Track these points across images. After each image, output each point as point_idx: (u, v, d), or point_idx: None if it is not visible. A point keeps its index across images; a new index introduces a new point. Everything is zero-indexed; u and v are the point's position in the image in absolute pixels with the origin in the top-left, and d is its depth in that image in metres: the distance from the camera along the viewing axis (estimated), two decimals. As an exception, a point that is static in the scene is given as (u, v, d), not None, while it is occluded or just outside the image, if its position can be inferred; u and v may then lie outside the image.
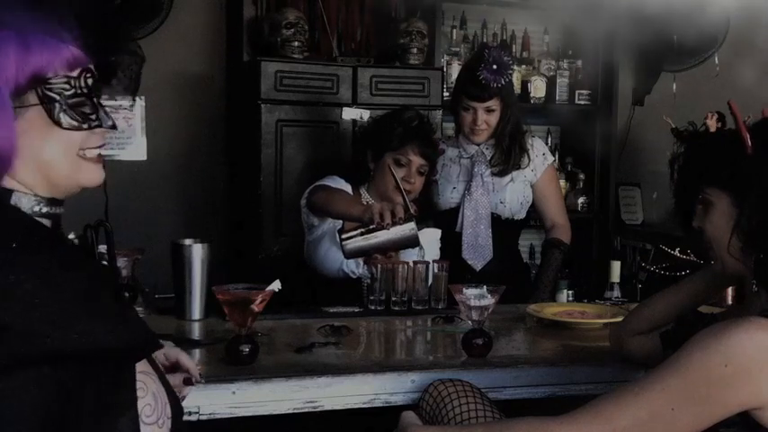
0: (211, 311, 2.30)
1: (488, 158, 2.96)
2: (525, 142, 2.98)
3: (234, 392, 1.69)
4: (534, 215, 3.11)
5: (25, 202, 1.02)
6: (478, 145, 2.97)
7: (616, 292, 2.74)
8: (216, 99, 3.93)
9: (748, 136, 1.48)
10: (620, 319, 2.09)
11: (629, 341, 1.87)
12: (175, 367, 1.53)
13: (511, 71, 2.93)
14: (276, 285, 1.83)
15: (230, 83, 3.88)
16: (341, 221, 2.64)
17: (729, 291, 2.46)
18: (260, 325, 2.11)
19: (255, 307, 1.82)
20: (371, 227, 2.39)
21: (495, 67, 2.84)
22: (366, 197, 2.76)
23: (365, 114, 3.49)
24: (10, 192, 1.01)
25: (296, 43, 3.52)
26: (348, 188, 2.76)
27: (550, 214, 3.05)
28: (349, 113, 3.54)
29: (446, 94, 3.86)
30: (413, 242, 2.44)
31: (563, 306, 2.59)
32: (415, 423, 1.65)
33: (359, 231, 2.43)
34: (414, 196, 2.73)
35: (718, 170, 1.53)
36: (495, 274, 2.75)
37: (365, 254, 2.50)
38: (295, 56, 3.52)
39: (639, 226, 4.43)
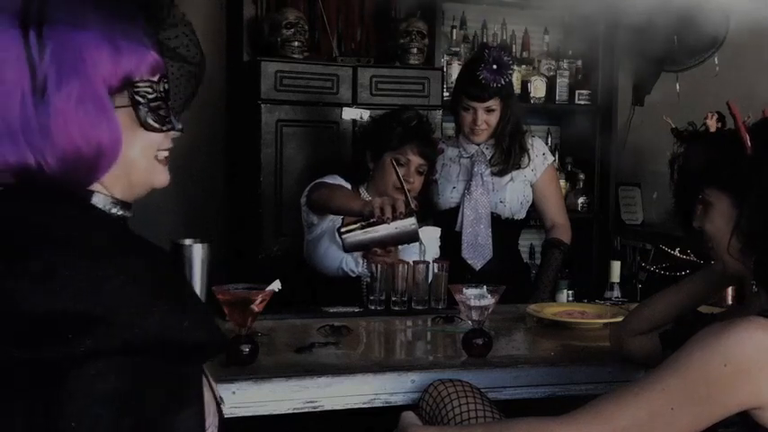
0: (211, 311, 2.30)
1: (488, 158, 2.96)
2: (525, 142, 2.98)
3: (234, 392, 1.69)
4: (534, 215, 3.11)
5: (102, 202, 1.06)
6: (478, 145, 2.97)
7: (616, 292, 2.74)
8: (216, 99, 3.92)
9: (748, 137, 1.48)
10: (620, 319, 2.09)
11: (630, 341, 1.87)
12: None
13: (511, 71, 2.93)
14: (276, 285, 1.83)
15: (230, 83, 3.88)
16: (340, 220, 2.64)
17: (729, 291, 2.46)
18: (260, 325, 2.11)
19: (255, 307, 1.82)
20: (372, 221, 2.39)
21: (495, 66, 2.84)
22: (366, 196, 2.76)
23: (365, 114, 3.49)
24: (91, 192, 1.05)
25: (296, 43, 3.52)
26: (348, 187, 2.77)
27: (550, 214, 3.05)
28: (349, 113, 3.54)
29: (446, 94, 3.86)
30: (413, 237, 2.44)
31: (563, 306, 2.59)
32: (414, 423, 1.64)
33: (359, 225, 2.43)
34: (413, 195, 2.73)
35: (718, 171, 1.53)
36: (495, 273, 2.75)
37: (364, 248, 2.50)
38: (295, 56, 3.52)
39: (639, 226, 4.43)
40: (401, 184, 2.55)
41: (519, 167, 2.96)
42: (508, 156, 2.94)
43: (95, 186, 1.06)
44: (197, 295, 1.05)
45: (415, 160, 2.72)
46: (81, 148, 1.01)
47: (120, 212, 1.08)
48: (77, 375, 0.88)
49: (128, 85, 1.05)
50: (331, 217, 2.70)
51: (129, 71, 1.05)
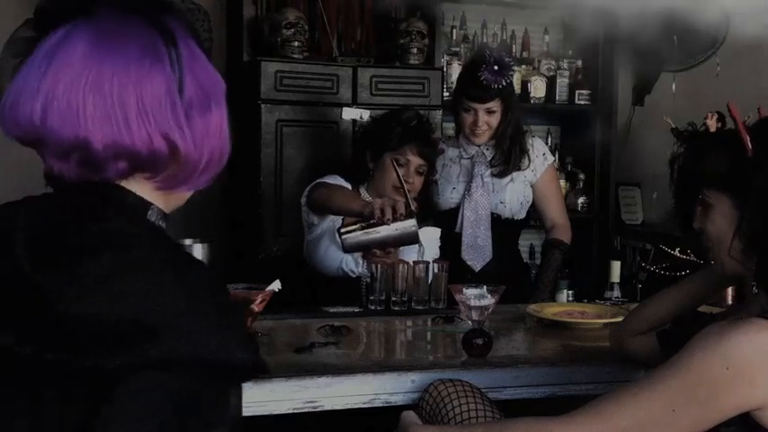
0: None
1: (489, 159, 2.96)
2: (526, 143, 2.97)
3: (234, 392, 1.69)
4: (534, 215, 3.11)
5: (155, 216, 1.06)
6: (479, 146, 2.97)
7: (616, 292, 2.74)
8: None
9: (748, 138, 1.48)
10: (620, 319, 2.09)
11: (629, 341, 1.87)
12: None
13: (512, 72, 2.92)
14: (276, 285, 1.83)
15: (230, 83, 3.85)
16: (340, 220, 2.64)
17: (729, 291, 2.46)
18: (260, 325, 2.11)
19: (255, 307, 1.82)
20: (372, 222, 2.39)
21: (496, 67, 2.83)
22: (365, 196, 2.76)
23: (365, 114, 3.49)
24: (149, 204, 1.05)
25: (296, 43, 3.52)
26: (348, 187, 2.77)
27: (550, 214, 3.05)
28: (349, 113, 3.54)
29: (446, 94, 3.86)
30: (413, 239, 2.44)
31: (563, 306, 2.59)
32: (415, 423, 1.65)
33: (359, 226, 2.43)
34: (413, 196, 2.73)
35: (719, 172, 1.52)
36: (494, 274, 2.75)
37: (364, 248, 2.49)
38: (295, 56, 3.52)
39: (639, 226, 4.43)
40: (401, 184, 2.55)
41: (519, 169, 2.95)
42: (508, 157, 2.94)
43: (154, 196, 1.06)
44: (239, 315, 1.05)
45: (415, 160, 2.72)
46: (214, 154, 1.06)
47: (164, 224, 1.08)
48: (124, 388, 0.88)
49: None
50: (331, 217, 2.70)
51: (224, 87, 1.12)
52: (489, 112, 2.88)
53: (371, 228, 2.40)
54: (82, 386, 0.89)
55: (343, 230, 2.45)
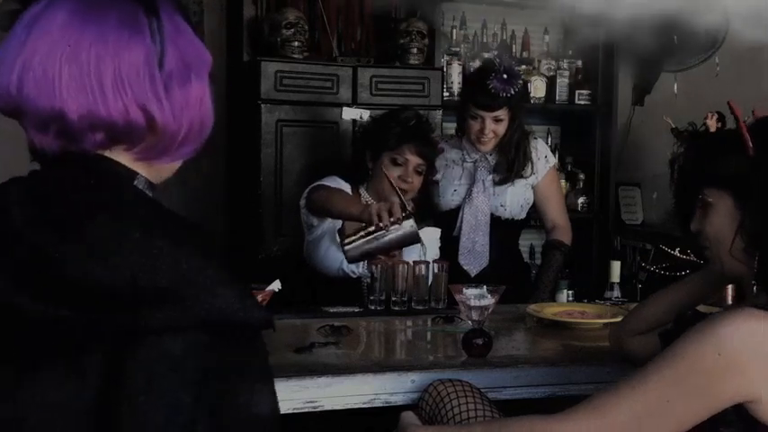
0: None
1: (492, 165, 2.95)
2: (530, 151, 2.96)
3: (234, 392, 1.69)
4: (534, 215, 3.11)
5: (142, 184, 1.06)
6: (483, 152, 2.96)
7: (616, 292, 2.74)
8: (216, 99, 3.89)
9: (749, 137, 1.48)
10: (620, 319, 2.09)
11: (629, 341, 1.87)
12: None
13: (521, 81, 2.90)
14: (276, 285, 1.83)
15: (230, 83, 3.88)
16: (340, 221, 2.64)
17: (729, 290, 2.46)
18: (260, 325, 2.10)
19: (255, 307, 1.81)
20: (371, 229, 2.38)
21: (505, 76, 2.80)
22: (365, 197, 2.76)
23: (365, 114, 3.49)
24: (135, 173, 1.05)
25: (296, 43, 3.52)
26: (347, 188, 2.76)
27: (552, 216, 3.04)
28: (349, 113, 3.54)
29: (446, 94, 3.86)
30: (414, 239, 2.44)
31: (563, 306, 2.59)
32: (414, 423, 1.65)
33: (359, 235, 2.42)
34: (412, 195, 2.73)
35: (719, 172, 1.53)
36: (495, 274, 2.75)
37: (368, 256, 2.49)
38: (295, 56, 3.52)
39: (639, 226, 4.43)
40: (393, 187, 2.55)
41: (522, 177, 2.95)
42: (512, 165, 2.92)
43: (136, 166, 1.06)
44: (241, 274, 1.06)
45: (414, 160, 2.72)
46: (194, 125, 1.07)
47: (150, 194, 1.08)
48: (147, 345, 0.89)
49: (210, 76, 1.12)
50: (331, 218, 2.70)
51: (210, 63, 1.12)
52: (497, 120, 2.86)
53: (371, 235, 2.40)
54: (102, 341, 0.90)
55: (345, 242, 2.44)
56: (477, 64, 4.12)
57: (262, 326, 0.98)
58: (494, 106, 2.83)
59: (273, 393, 0.99)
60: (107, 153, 1.03)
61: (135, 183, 1.05)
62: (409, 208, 2.43)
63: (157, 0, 1.03)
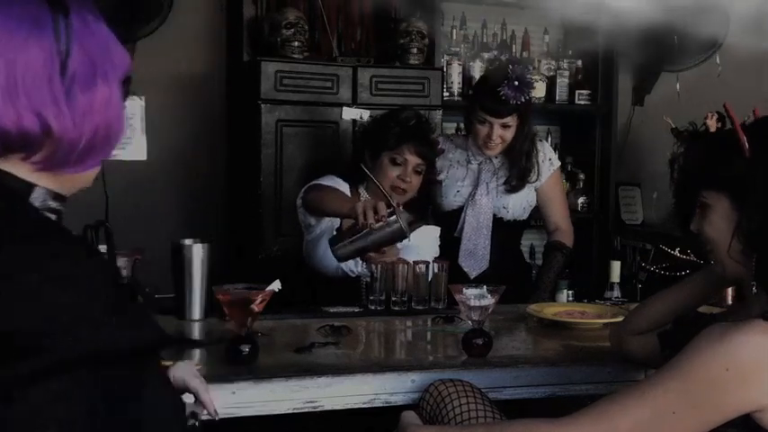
0: (211, 311, 2.30)
1: (496, 167, 2.95)
2: (537, 157, 2.95)
3: (234, 392, 1.70)
4: (535, 215, 3.11)
5: (42, 197, 0.99)
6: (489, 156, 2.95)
7: (616, 292, 2.74)
8: (216, 99, 3.92)
9: (746, 138, 1.48)
10: (620, 319, 2.09)
11: (630, 341, 1.87)
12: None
13: (533, 89, 2.89)
14: (276, 285, 1.83)
15: (230, 83, 3.88)
16: (339, 221, 2.64)
17: (729, 291, 2.46)
18: (260, 325, 2.11)
19: (255, 307, 1.82)
20: (357, 228, 2.39)
21: (517, 83, 2.79)
22: (364, 196, 2.76)
23: (365, 114, 3.49)
24: (32, 186, 0.97)
25: (296, 43, 3.52)
26: (346, 187, 2.76)
27: (554, 218, 3.04)
28: (349, 113, 3.54)
29: (446, 94, 3.86)
30: (400, 236, 2.43)
31: (563, 306, 2.59)
32: (415, 423, 1.65)
33: (346, 236, 2.43)
34: (411, 195, 2.73)
35: (717, 173, 1.52)
36: (496, 274, 2.75)
37: (358, 255, 2.49)
38: (295, 56, 3.52)
39: (639, 226, 4.43)
40: (379, 186, 2.55)
41: (528, 183, 2.94)
42: (523, 174, 2.91)
43: (34, 178, 0.98)
44: (130, 295, 1.01)
45: (413, 160, 2.71)
46: (99, 132, 0.98)
47: (57, 205, 1.00)
48: (22, 397, 0.82)
49: (126, 82, 1.03)
50: (329, 218, 2.70)
51: (128, 69, 1.03)
52: (505, 126, 2.85)
53: (357, 234, 2.40)
54: None
55: (334, 243, 2.45)
56: (477, 64, 4.12)
57: (155, 349, 0.93)
58: (503, 113, 2.82)
59: (171, 420, 0.95)
60: (4, 163, 0.95)
61: (31, 199, 0.97)
62: (394, 204, 2.43)
63: None
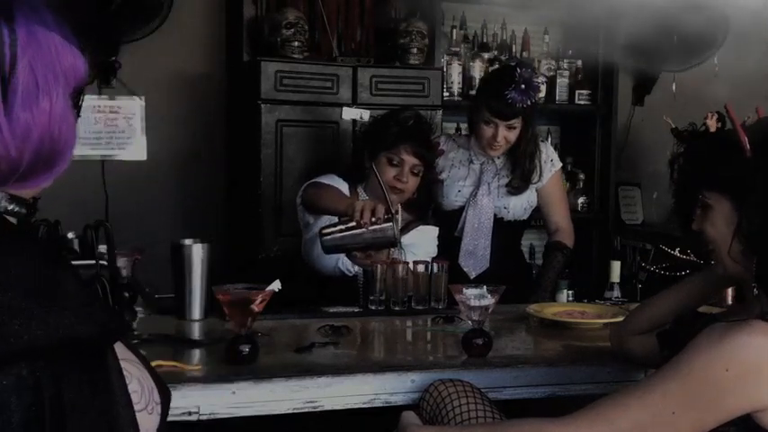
0: (211, 311, 2.30)
1: (498, 167, 2.95)
2: (540, 159, 2.95)
3: (234, 392, 1.69)
4: (536, 215, 3.11)
5: None
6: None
7: (616, 292, 2.74)
8: (216, 99, 3.92)
9: (746, 139, 1.48)
10: (620, 319, 2.09)
11: (630, 341, 1.87)
12: None
13: (539, 92, 2.89)
14: (276, 285, 1.83)
15: (230, 83, 3.88)
16: (337, 220, 2.64)
17: (729, 291, 2.46)
18: (260, 325, 2.11)
19: (255, 307, 1.82)
20: (351, 224, 2.38)
21: (524, 86, 2.78)
22: (363, 196, 2.76)
23: (365, 114, 3.49)
24: None
25: (296, 43, 3.52)
26: (345, 186, 2.76)
27: (555, 219, 3.03)
28: (349, 113, 3.54)
29: (446, 94, 3.86)
30: (390, 243, 2.43)
31: (563, 306, 2.59)
32: (415, 423, 1.65)
33: (338, 228, 2.43)
34: (408, 196, 2.73)
35: (717, 174, 1.52)
36: (496, 274, 2.75)
37: (344, 250, 2.49)
38: (295, 56, 3.52)
39: (639, 226, 4.43)
40: (382, 188, 2.55)
41: (530, 184, 2.94)
42: (527, 176, 2.91)
43: None
44: (80, 284, 0.94)
45: (410, 160, 2.70)
46: (45, 146, 0.94)
47: (17, 209, 0.97)
48: None
49: (79, 93, 1.00)
50: (327, 216, 2.70)
51: (83, 80, 1.00)
52: (510, 128, 2.84)
53: (350, 230, 2.39)
54: None
55: (324, 231, 2.44)
56: (477, 64, 4.12)
57: (110, 337, 0.91)
58: (509, 115, 2.81)
59: (131, 407, 0.93)
60: None
61: None
62: (393, 211, 2.42)
63: (15, 8, 0.91)
